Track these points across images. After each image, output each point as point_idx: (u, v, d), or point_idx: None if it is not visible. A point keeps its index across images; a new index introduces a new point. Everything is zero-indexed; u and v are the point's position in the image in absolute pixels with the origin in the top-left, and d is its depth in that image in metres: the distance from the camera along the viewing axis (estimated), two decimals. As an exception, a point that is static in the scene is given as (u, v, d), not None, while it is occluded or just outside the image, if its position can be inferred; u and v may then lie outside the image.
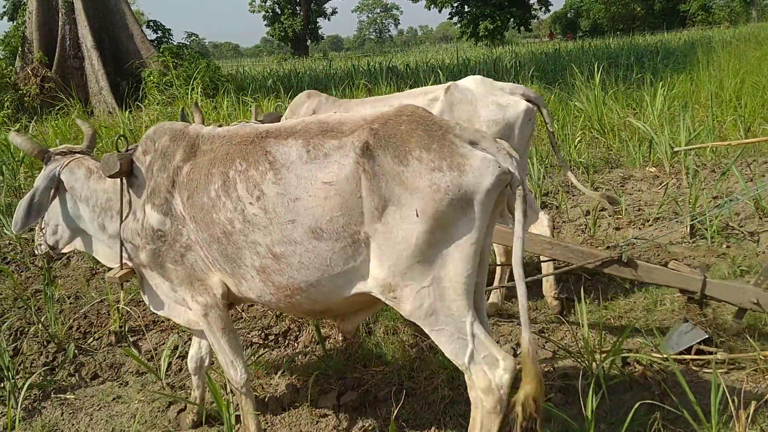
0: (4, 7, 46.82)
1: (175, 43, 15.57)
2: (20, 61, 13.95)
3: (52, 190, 3.07)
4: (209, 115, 10.53)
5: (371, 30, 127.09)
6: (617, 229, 5.76)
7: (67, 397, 3.76)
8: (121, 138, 2.98)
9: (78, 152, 3.22)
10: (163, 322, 4.55)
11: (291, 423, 3.41)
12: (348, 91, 12.37)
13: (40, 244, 3.25)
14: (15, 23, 15.52)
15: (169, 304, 3.07)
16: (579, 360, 3.54)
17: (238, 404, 3.06)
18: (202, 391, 3.42)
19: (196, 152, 2.79)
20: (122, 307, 4.53)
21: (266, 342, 4.27)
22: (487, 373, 2.46)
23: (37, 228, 3.25)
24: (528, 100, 4.03)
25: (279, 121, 3.85)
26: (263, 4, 67.92)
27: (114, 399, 3.73)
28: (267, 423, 3.40)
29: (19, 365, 3.99)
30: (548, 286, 4.38)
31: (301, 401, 3.57)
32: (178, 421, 3.46)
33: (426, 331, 2.51)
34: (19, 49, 14.07)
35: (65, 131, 10.65)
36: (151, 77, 13.22)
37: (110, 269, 3.13)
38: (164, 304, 3.08)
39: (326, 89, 13.85)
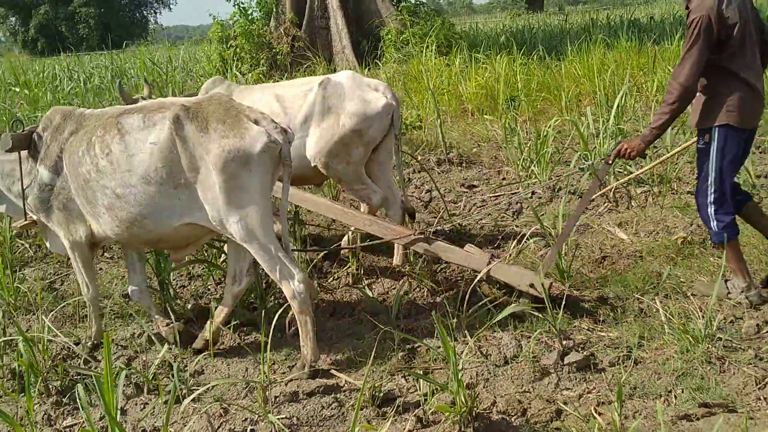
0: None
1: (413, 2, 15.84)
2: (274, 22, 15.12)
3: None
4: (441, 72, 10.71)
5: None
6: None
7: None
8: (18, 122, 4.11)
9: None
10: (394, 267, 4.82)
11: (513, 376, 3.46)
12: (585, 46, 11.82)
13: None
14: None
15: (56, 242, 4.04)
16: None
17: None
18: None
19: (79, 127, 3.75)
20: (359, 252, 4.85)
21: (490, 294, 4.33)
22: (289, 284, 3.49)
23: None
24: (387, 98, 4.57)
25: None
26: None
27: (349, 334, 4.04)
28: (489, 373, 3.49)
29: (270, 296, 4.45)
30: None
31: (524, 357, 3.60)
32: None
33: (252, 253, 3.52)
34: (273, 10, 15.24)
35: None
36: (389, 35, 13.66)
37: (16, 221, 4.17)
38: (55, 244, 4.10)
39: (561, 45, 13.38)
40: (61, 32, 55.52)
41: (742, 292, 3.96)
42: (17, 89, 12.57)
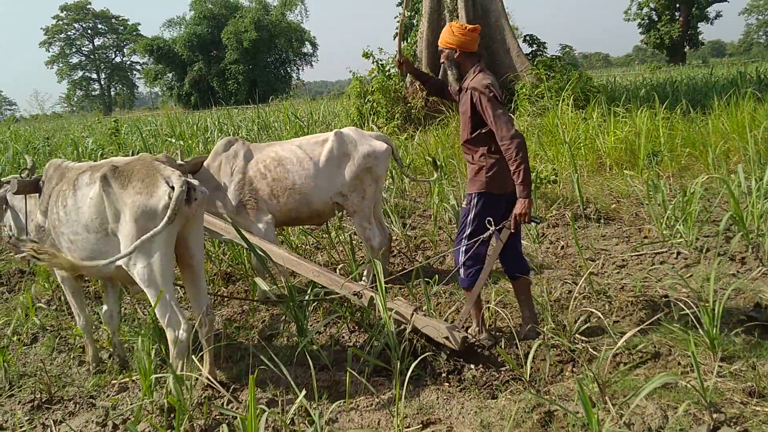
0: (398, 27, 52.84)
1: (548, 56, 15.75)
2: (410, 77, 15.54)
3: (4, 206, 4.88)
4: (577, 126, 10.52)
5: (760, 33, 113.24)
6: None
7: (442, 385, 4.10)
8: (26, 169, 4.70)
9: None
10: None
11: (659, 449, 3.26)
12: (734, 100, 11.23)
13: (6, 240, 4.99)
14: (407, 43, 17.26)
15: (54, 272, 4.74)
16: None
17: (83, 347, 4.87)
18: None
19: (59, 179, 4.38)
20: (492, 308, 4.79)
21: (632, 360, 4.14)
22: (174, 331, 3.90)
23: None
24: (386, 144, 5.79)
25: (201, 164, 5.70)
26: (639, 11, 65.45)
27: (482, 393, 3.97)
28: (632, 444, 3.30)
29: (402, 352, 4.45)
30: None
31: (670, 429, 3.38)
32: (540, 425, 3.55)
33: (149, 297, 3.89)
34: (410, 66, 15.66)
35: (444, 141, 11.62)
36: (524, 89, 13.64)
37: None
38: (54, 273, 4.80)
39: (706, 98, 12.81)
40: (212, 87, 59.96)
41: (475, 336, 4.52)
42: (173, 140, 13.60)
